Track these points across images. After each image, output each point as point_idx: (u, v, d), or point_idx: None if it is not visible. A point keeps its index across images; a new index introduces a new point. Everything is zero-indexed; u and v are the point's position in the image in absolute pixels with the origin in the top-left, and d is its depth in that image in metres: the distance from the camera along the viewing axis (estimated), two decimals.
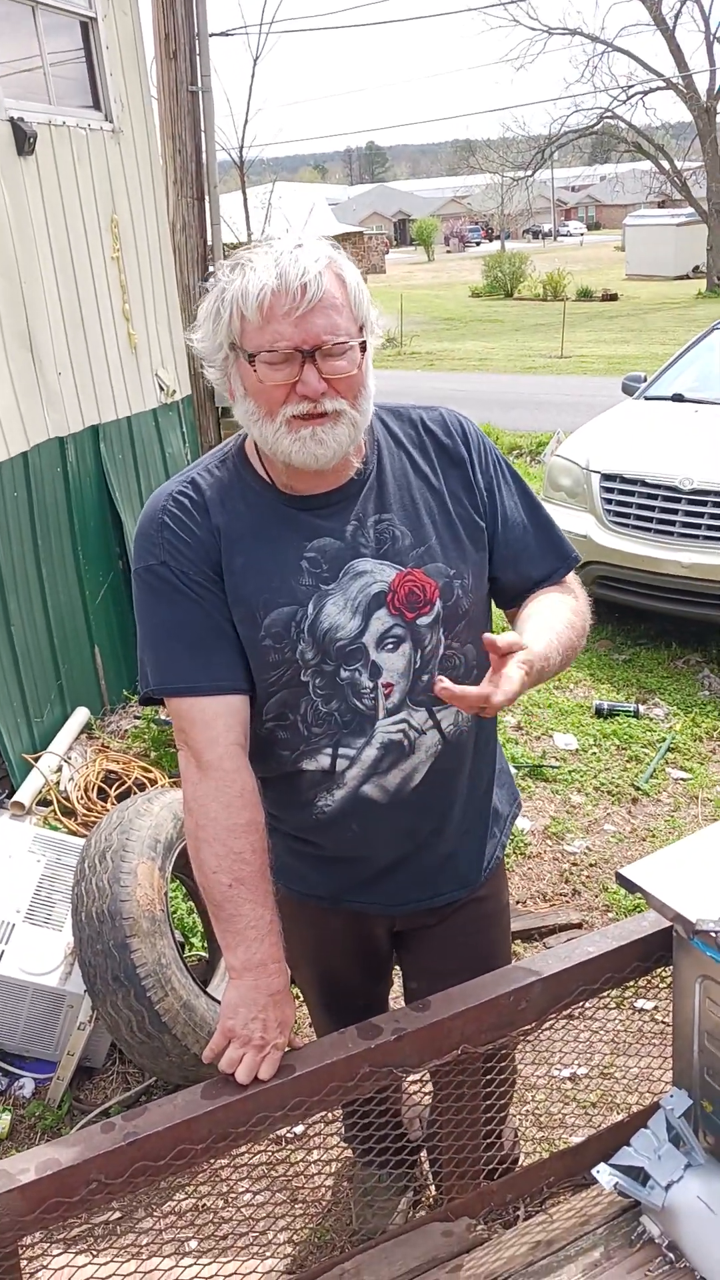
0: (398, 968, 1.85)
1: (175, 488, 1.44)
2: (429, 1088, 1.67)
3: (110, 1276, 1.47)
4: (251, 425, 1.36)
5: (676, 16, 24.94)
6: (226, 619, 1.40)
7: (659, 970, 1.59)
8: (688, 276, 30.47)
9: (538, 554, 1.53)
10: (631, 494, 4.93)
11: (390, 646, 1.42)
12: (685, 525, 4.73)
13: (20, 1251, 1.30)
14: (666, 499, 4.79)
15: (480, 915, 1.69)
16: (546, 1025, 1.56)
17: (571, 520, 4.95)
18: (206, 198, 5.61)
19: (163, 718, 3.87)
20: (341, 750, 1.45)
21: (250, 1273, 1.55)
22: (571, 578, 1.57)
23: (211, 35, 5.60)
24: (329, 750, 1.45)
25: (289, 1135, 2.18)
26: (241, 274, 1.31)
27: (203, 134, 5.54)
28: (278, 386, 1.30)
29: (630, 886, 1.52)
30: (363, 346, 1.33)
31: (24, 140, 3.66)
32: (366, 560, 1.41)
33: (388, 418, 1.49)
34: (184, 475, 1.47)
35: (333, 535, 1.41)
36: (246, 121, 14.81)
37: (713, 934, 1.37)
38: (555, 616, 1.45)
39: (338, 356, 1.30)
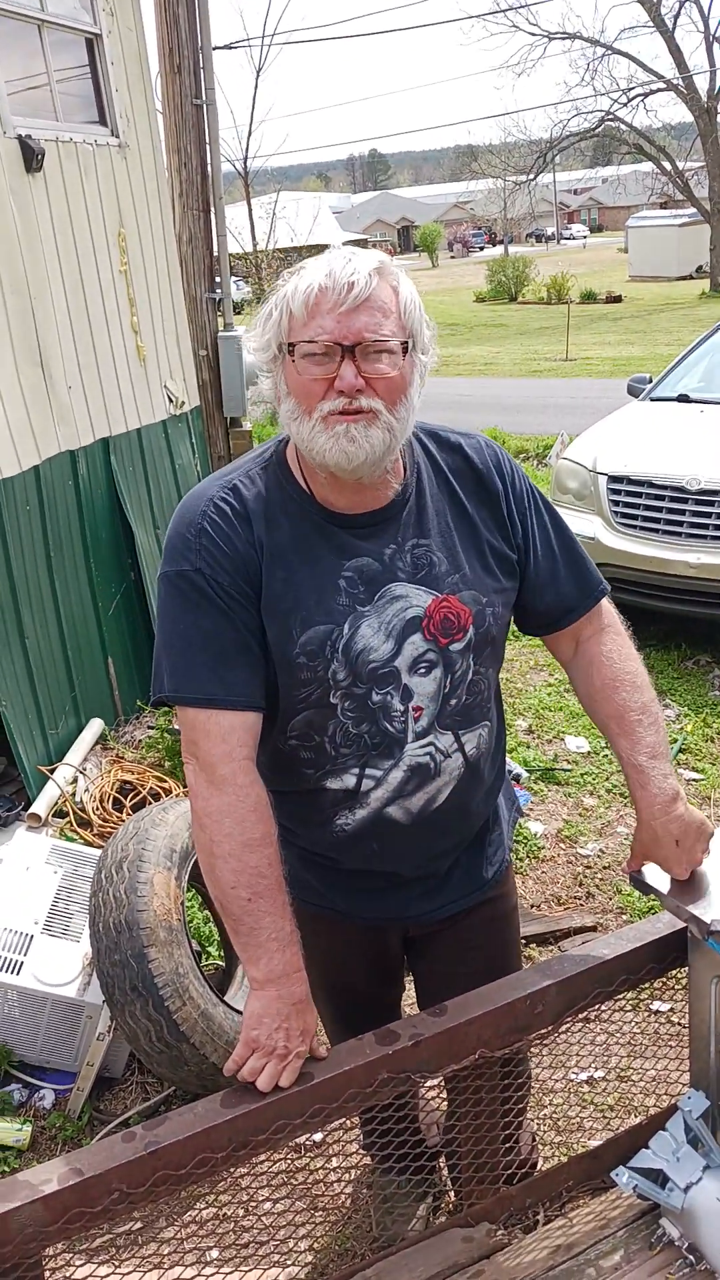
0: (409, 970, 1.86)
1: (217, 493, 1.41)
2: (444, 1094, 1.67)
3: None
4: (291, 424, 1.36)
5: (676, 17, 24.96)
6: (253, 634, 1.39)
7: (674, 972, 1.60)
8: (691, 277, 30.43)
9: (567, 586, 1.54)
10: (638, 495, 4.93)
11: (423, 671, 1.43)
12: (693, 525, 4.72)
13: (44, 1262, 1.31)
14: (673, 499, 4.79)
15: (491, 917, 1.70)
16: (563, 1028, 1.57)
17: (579, 523, 4.94)
18: (212, 209, 5.64)
19: (176, 728, 3.88)
20: (369, 771, 1.46)
21: None
22: (606, 608, 1.59)
23: (215, 49, 5.64)
24: (355, 771, 1.46)
25: (308, 1143, 2.19)
26: (297, 276, 1.34)
27: (207, 146, 5.57)
28: (316, 381, 1.31)
29: (644, 888, 1.53)
30: (404, 349, 1.32)
31: (32, 157, 3.69)
32: (403, 584, 1.41)
33: (428, 441, 1.49)
34: (224, 479, 1.44)
35: (371, 556, 1.41)
36: (250, 133, 14.89)
37: None
38: (643, 707, 1.52)
39: (378, 357, 1.30)
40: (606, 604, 1.59)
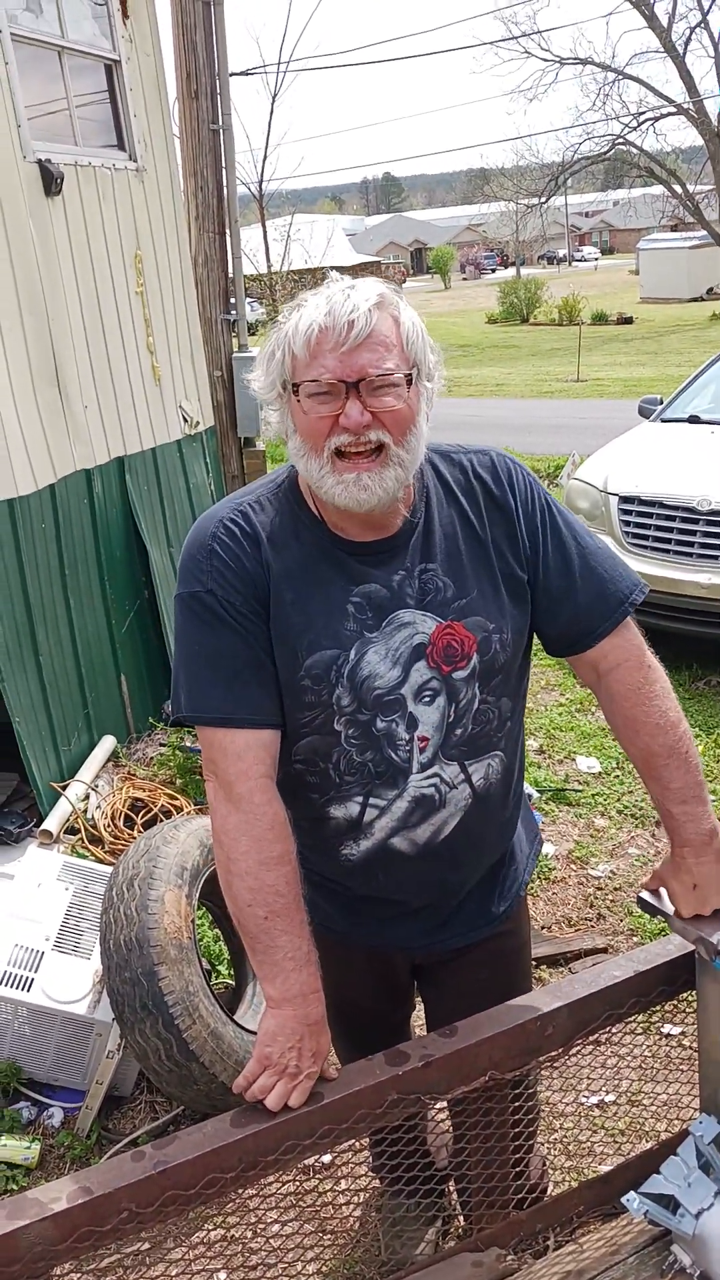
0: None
1: (226, 514, 1.42)
2: (453, 1116, 1.66)
3: None
4: (299, 461, 1.36)
5: (686, 43, 25.15)
6: (266, 652, 1.40)
7: (685, 994, 1.59)
8: (701, 299, 30.57)
9: (586, 607, 1.48)
10: (649, 515, 4.94)
11: (427, 699, 1.42)
12: (704, 546, 4.73)
13: None
14: (685, 520, 4.80)
15: (500, 952, 1.69)
16: (574, 1051, 1.56)
17: None
18: (227, 232, 5.71)
19: (188, 745, 3.89)
20: (372, 800, 1.45)
21: None
22: (633, 637, 1.50)
23: (232, 75, 5.73)
24: (359, 799, 1.45)
25: (317, 1165, 2.18)
26: (297, 314, 1.33)
27: (224, 170, 5.65)
28: (321, 419, 1.31)
29: (651, 910, 1.53)
30: (409, 380, 1.32)
31: (51, 181, 3.75)
32: (411, 610, 1.41)
33: (438, 461, 1.48)
34: (235, 502, 1.45)
35: (380, 583, 1.40)
36: (265, 157, 15.07)
37: None
38: (670, 750, 1.46)
39: (384, 391, 1.30)
40: (634, 633, 1.51)
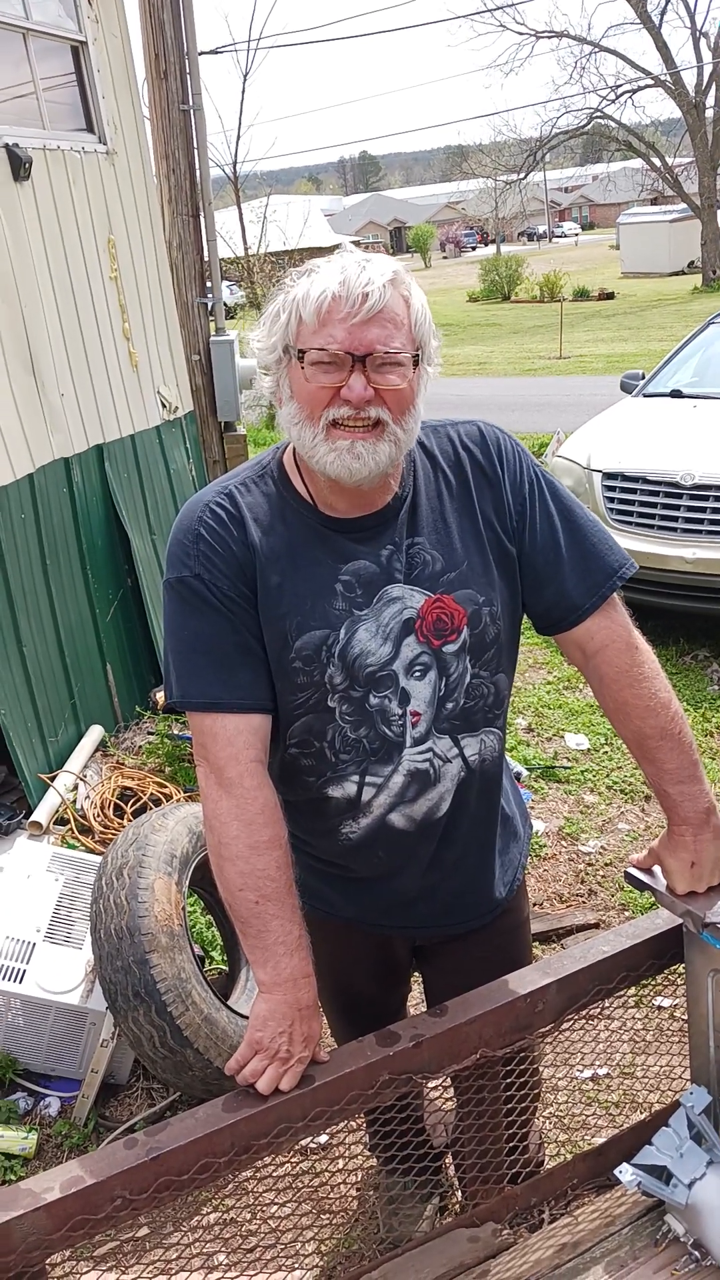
0: (416, 973, 1.86)
1: (212, 498, 1.41)
2: (451, 1094, 1.67)
3: None
4: (293, 429, 1.34)
5: (662, 14, 25.01)
6: (255, 636, 1.39)
7: (675, 967, 1.59)
8: (683, 272, 30.47)
9: (572, 583, 1.45)
10: (633, 492, 4.94)
11: (418, 674, 1.41)
12: (688, 521, 4.73)
13: (48, 1270, 1.31)
14: (668, 495, 4.80)
15: (502, 930, 1.69)
16: (565, 1026, 1.57)
17: None
18: (202, 215, 5.64)
19: (176, 733, 3.88)
20: (369, 778, 1.44)
21: None
22: (620, 617, 1.48)
23: (201, 54, 5.64)
24: (356, 777, 1.45)
25: (313, 1146, 2.19)
26: (308, 279, 1.31)
27: (195, 151, 5.58)
28: (322, 389, 1.29)
29: (639, 885, 1.53)
30: (414, 361, 1.31)
31: (20, 166, 3.69)
32: (400, 585, 1.39)
33: (424, 435, 1.46)
34: (220, 486, 1.44)
35: (368, 559, 1.39)
36: (239, 137, 14.92)
37: None
38: (661, 732, 1.44)
39: (389, 369, 1.29)
40: (620, 614, 1.48)
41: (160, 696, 4.14)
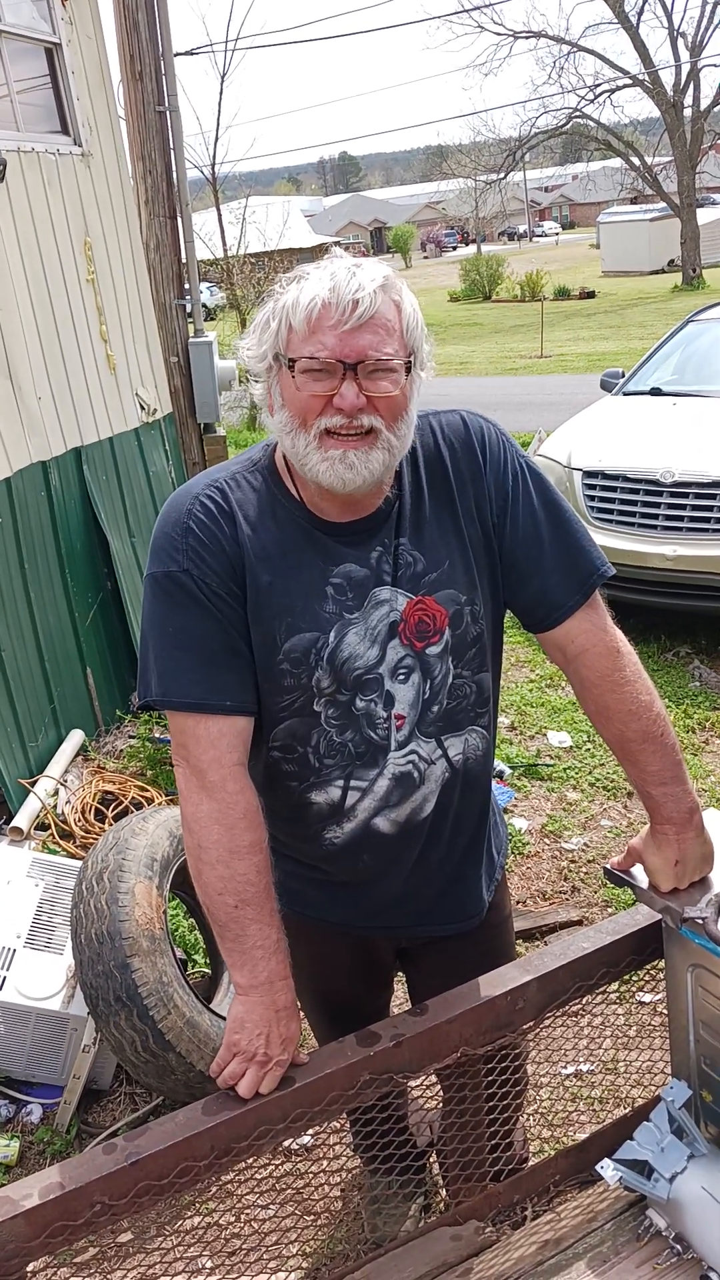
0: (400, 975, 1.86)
1: (203, 491, 1.37)
2: (435, 1093, 1.67)
3: None
4: (284, 437, 1.32)
5: (640, 13, 25.11)
6: (242, 636, 1.36)
7: (655, 963, 1.60)
8: (663, 271, 30.62)
9: (554, 580, 1.43)
10: (613, 490, 4.95)
11: (402, 677, 1.40)
12: (668, 518, 4.75)
13: (29, 1277, 1.30)
14: (649, 493, 4.82)
15: (485, 928, 1.68)
16: (547, 1023, 1.57)
17: None
18: (179, 216, 5.62)
19: (157, 736, 3.87)
20: (354, 782, 1.43)
21: None
22: (602, 620, 1.46)
23: (177, 55, 5.62)
24: (340, 782, 1.43)
25: (297, 1147, 2.19)
26: (297, 286, 1.29)
27: (172, 153, 5.56)
28: (314, 397, 1.27)
29: (618, 880, 1.53)
30: (406, 368, 1.29)
31: None
32: (387, 588, 1.38)
33: None
34: (210, 479, 1.40)
35: (358, 562, 1.37)
36: (217, 138, 14.88)
37: (699, 921, 1.37)
38: (643, 735, 1.43)
39: (381, 376, 1.27)
40: (601, 615, 1.46)
41: None
